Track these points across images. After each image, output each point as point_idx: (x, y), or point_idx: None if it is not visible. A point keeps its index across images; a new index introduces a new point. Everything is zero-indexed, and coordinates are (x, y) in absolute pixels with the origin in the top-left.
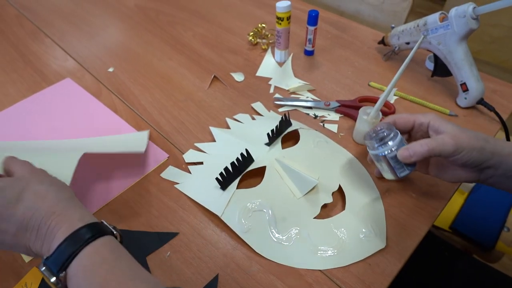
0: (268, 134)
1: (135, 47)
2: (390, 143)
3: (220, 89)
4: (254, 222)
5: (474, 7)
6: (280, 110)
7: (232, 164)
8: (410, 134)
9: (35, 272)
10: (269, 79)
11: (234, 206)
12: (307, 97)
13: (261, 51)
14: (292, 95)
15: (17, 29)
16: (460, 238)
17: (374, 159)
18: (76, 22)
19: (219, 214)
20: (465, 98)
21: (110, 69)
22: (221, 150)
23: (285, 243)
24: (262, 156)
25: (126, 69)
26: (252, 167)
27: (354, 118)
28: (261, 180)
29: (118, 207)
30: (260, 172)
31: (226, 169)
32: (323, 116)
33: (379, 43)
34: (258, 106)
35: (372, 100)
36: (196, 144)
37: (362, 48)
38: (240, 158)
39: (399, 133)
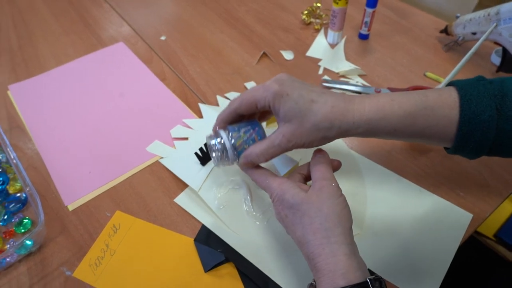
0: None
1: (188, 18)
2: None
3: (268, 66)
4: (230, 199)
5: None
6: None
7: None
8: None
9: (120, 214)
10: (319, 60)
11: (211, 182)
12: (357, 82)
13: (313, 31)
14: (342, 79)
15: None
16: (504, 247)
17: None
18: None
19: (196, 189)
20: None
21: (163, 38)
22: (206, 127)
23: (259, 222)
24: None
25: (178, 39)
26: None
27: None
28: None
29: (160, 169)
30: None
31: (206, 144)
32: None
33: (441, 32)
34: (251, 85)
35: None
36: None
37: (421, 36)
38: None
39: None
